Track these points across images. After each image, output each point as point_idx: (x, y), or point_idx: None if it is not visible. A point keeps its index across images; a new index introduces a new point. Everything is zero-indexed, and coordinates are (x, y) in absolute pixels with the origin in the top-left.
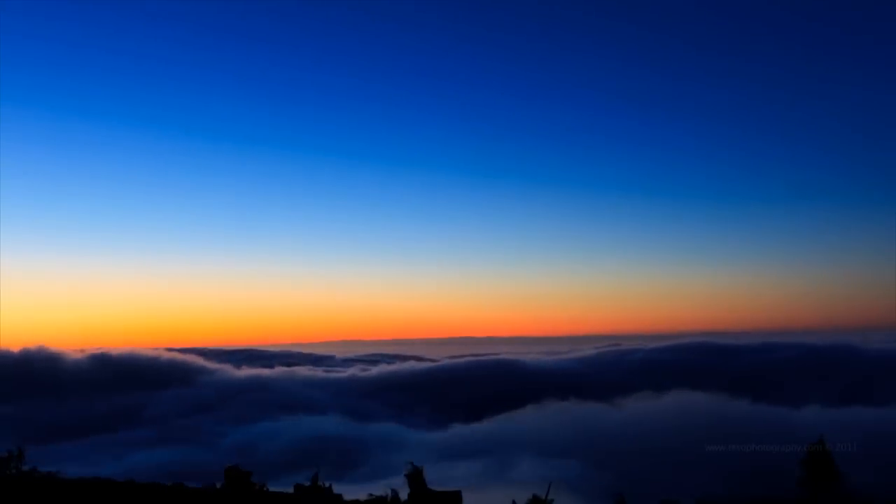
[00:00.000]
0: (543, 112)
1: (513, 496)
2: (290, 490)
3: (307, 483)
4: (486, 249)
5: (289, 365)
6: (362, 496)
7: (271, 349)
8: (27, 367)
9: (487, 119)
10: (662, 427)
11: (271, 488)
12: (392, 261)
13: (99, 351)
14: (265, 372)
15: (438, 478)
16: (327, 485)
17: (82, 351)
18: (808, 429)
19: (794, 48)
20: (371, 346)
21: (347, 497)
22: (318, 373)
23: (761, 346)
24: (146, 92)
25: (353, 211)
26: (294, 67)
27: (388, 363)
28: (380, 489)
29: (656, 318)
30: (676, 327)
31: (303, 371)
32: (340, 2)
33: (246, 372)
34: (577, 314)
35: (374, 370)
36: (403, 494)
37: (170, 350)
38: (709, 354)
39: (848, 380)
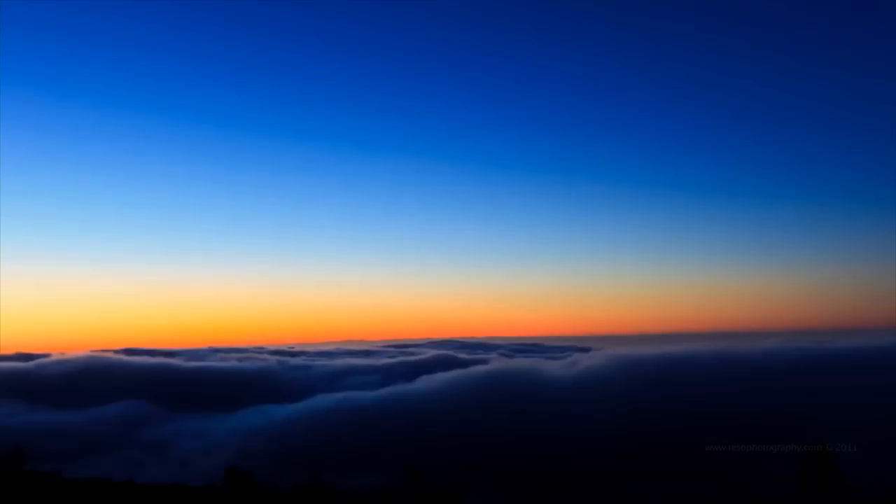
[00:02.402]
0: (556, 107)
1: (513, 497)
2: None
3: (308, 482)
4: (497, 247)
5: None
6: (361, 496)
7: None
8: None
9: (513, 113)
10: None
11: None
12: (380, 259)
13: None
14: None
15: None
16: (328, 484)
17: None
18: (808, 429)
19: (813, 48)
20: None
21: (347, 496)
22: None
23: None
24: (179, 86)
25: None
26: (302, 60)
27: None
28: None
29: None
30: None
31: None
32: None
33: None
34: (585, 314)
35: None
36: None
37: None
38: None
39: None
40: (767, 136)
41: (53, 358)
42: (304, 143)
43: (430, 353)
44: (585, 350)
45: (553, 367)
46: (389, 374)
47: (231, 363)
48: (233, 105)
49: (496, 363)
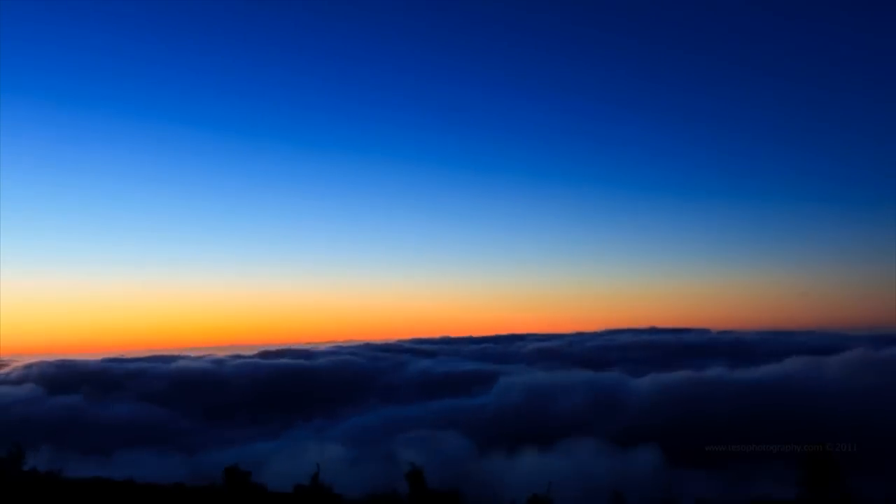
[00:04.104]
0: (551, 112)
1: (512, 495)
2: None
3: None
4: (498, 249)
5: None
6: (362, 496)
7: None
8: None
9: (501, 118)
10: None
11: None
12: (375, 259)
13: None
14: None
15: None
16: (327, 484)
17: None
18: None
19: (805, 49)
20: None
21: (347, 496)
22: None
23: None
24: (167, 88)
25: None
26: (298, 65)
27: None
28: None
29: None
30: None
31: None
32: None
33: None
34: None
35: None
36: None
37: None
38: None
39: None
40: (756, 137)
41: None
42: (320, 145)
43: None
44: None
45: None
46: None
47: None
48: (237, 110)
49: None
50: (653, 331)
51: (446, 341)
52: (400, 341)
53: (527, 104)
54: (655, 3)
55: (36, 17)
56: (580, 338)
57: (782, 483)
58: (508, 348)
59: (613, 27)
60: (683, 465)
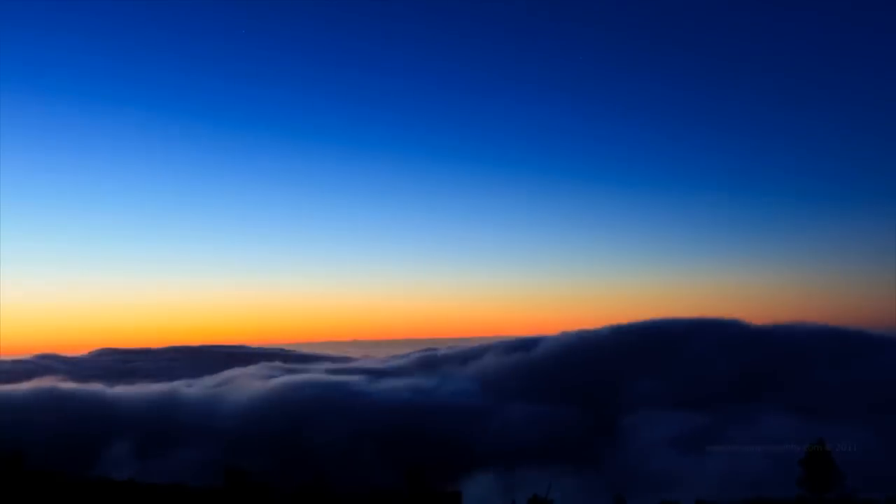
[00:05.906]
0: (554, 110)
1: (513, 496)
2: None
3: (308, 483)
4: (494, 248)
5: None
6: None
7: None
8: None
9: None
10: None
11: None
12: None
13: None
14: None
15: None
16: (328, 484)
17: None
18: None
19: (805, 51)
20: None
21: (347, 496)
22: None
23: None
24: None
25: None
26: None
27: None
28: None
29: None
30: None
31: None
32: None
33: None
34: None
35: None
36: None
37: None
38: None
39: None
40: (748, 136)
41: None
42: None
43: None
44: None
45: None
46: None
47: None
48: (242, 109)
49: None
50: None
51: None
52: None
53: (543, 107)
54: (656, 6)
55: (37, 17)
56: None
57: None
58: None
59: (619, 31)
60: None
